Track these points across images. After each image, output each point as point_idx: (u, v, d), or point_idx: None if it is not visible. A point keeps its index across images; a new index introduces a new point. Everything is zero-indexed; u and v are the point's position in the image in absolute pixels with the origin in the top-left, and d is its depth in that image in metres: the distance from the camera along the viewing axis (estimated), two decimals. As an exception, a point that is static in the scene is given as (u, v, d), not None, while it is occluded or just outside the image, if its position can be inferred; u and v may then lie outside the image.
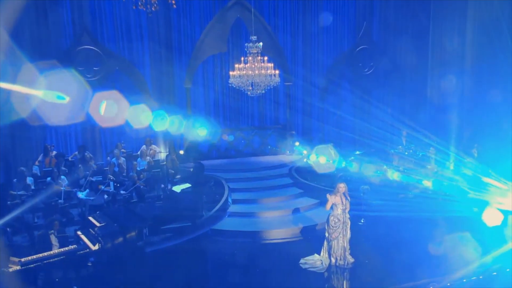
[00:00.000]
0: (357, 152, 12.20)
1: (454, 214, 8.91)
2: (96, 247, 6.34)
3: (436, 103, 12.69)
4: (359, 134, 13.91)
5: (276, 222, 8.92)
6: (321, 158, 11.15)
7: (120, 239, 6.60)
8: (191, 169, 9.73)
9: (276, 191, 10.44)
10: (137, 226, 6.80)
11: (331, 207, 6.97)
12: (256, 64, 10.15)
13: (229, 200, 9.84)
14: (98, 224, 6.76)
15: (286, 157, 12.85)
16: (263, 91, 10.70)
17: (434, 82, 12.75)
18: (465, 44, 11.60)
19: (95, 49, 11.25)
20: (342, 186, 6.90)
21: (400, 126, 14.31)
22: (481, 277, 6.32)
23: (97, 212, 7.60)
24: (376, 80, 14.23)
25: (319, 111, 14.02)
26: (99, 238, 6.38)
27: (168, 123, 12.56)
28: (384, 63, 13.99)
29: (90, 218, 7.17)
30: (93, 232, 6.59)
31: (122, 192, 8.83)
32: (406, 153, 11.66)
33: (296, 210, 9.46)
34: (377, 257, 7.44)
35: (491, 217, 8.00)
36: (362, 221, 8.88)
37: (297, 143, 13.41)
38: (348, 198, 6.99)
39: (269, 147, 13.57)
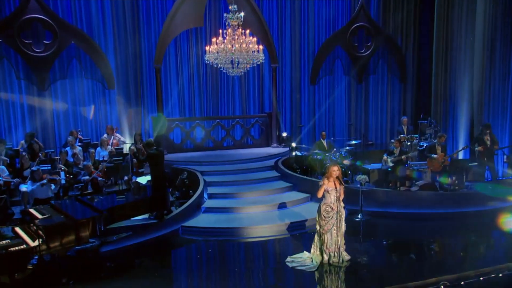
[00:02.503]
0: (353, 142, 11.81)
1: (464, 209, 8.69)
2: (36, 243, 5.68)
3: (442, 89, 12.41)
4: (355, 120, 13.59)
5: (259, 218, 8.42)
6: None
7: (67, 234, 5.95)
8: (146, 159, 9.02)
9: (260, 185, 9.95)
10: (90, 218, 6.15)
11: (323, 195, 6.48)
12: (236, 38, 9.71)
13: (205, 194, 9.32)
14: (40, 217, 6.10)
15: (272, 150, 12.39)
16: (245, 70, 10.28)
17: (439, 64, 12.47)
18: (477, 20, 11.34)
19: (46, 18, 10.57)
20: (335, 170, 6.42)
21: (400, 113, 14.13)
22: (500, 275, 5.95)
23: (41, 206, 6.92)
24: (374, 62, 13.93)
25: (310, 96, 13.65)
26: (40, 232, 5.73)
27: (135, 109, 12.08)
28: (383, 43, 13.69)
29: (31, 210, 6.50)
30: (33, 226, 5.93)
31: (76, 184, 8.17)
32: (408, 143, 11.31)
33: (282, 205, 8.97)
34: (377, 255, 7.07)
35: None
36: (359, 216, 8.47)
37: (284, 134, 12.98)
38: (343, 183, 6.51)
39: (252, 138, 13.09)
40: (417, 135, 11.56)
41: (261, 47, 10.12)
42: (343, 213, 6.51)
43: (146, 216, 8.09)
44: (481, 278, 5.91)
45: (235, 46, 9.67)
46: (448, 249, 7.40)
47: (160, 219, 7.84)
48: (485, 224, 8.27)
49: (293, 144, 12.17)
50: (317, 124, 13.66)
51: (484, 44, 11.19)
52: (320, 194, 6.44)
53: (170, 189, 9.76)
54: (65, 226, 5.99)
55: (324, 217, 6.42)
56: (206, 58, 9.94)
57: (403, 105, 14.15)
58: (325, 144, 11.69)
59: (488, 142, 10.11)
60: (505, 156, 10.57)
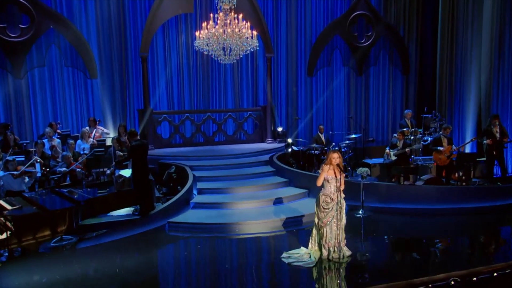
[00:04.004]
0: (353, 136, 11.58)
1: (472, 205, 8.52)
2: (4, 236, 5.36)
3: (447, 81, 12.23)
4: (354, 114, 13.38)
5: (252, 213, 8.16)
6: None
7: (40, 226, 5.63)
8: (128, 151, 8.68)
9: (254, 180, 9.71)
10: (65, 209, 5.84)
11: (322, 185, 6.22)
12: (228, 23, 9.48)
13: (194, 190, 9.05)
14: (9, 208, 5.78)
15: (267, 145, 12.14)
16: (238, 58, 10.06)
17: (444, 54, 12.29)
18: (484, 7, 11.18)
19: (22, 1, 10.26)
20: (335, 157, 6.16)
21: (402, 106, 13.95)
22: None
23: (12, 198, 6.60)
24: (374, 53, 13.75)
25: (307, 88, 13.43)
26: (8, 224, 5.41)
27: (119, 100, 11.81)
28: (384, 33, 13.52)
29: (0, 201, 6.17)
30: (1, 218, 5.60)
31: (52, 176, 7.85)
32: (412, 137, 11.09)
33: (278, 201, 8.72)
34: (379, 252, 6.81)
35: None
36: (360, 211, 8.22)
37: (280, 129, 12.74)
38: (343, 172, 6.26)
39: (245, 133, 12.85)
40: (421, 130, 11.37)
41: (255, 32, 9.89)
42: (344, 204, 6.25)
43: (129, 212, 7.82)
44: (495, 274, 5.72)
45: (227, 31, 9.47)
46: (454, 246, 7.18)
47: (144, 214, 7.54)
48: (493, 221, 8.09)
49: (289, 140, 11.93)
50: (314, 117, 13.43)
51: (492, 32, 11.04)
52: (319, 182, 6.17)
53: (158, 186, 9.50)
54: (37, 217, 5.70)
55: (323, 208, 6.15)
56: (196, 44, 9.69)
57: (405, 98, 13.98)
58: (323, 138, 11.47)
59: (497, 135, 9.89)
60: (515, 150, 10.39)
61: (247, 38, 9.67)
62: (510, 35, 10.93)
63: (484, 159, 10.35)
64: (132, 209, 7.86)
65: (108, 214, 7.66)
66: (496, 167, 10.41)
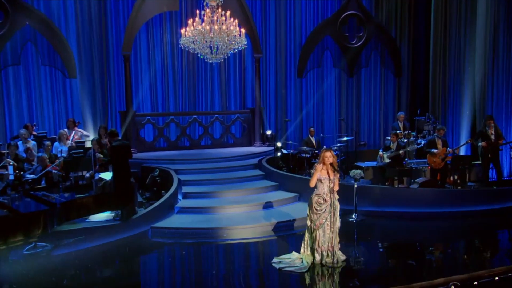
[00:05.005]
0: (345, 138, 11.49)
1: (469, 208, 8.46)
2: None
3: (440, 83, 12.25)
4: (345, 117, 13.33)
5: (241, 218, 7.98)
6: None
7: (11, 231, 5.35)
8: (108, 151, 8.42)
9: (242, 184, 9.55)
10: (39, 213, 5.57)
11: (315, 185, 6.07)
12: (215, 20, 9.36)
13: (179, 195, 8.83)
14: (-24, 211, 5.50)
15: (255, 149, 11.99)
16: (226, 56, 9.96)
17: (437, 55, 12.33)
18: (478, 7, 11.25)
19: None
20: (328, 156, 6.02)
21: (394, 109, 13.96)
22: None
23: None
24: (366, 54, 13.75)
25: (296, 90, 13.34)
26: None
27: (100, 101, 11.56)
28: (376, 33, 13.53)
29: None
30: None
31: (26, 177, 7.55)
32: (405, 139, 11.05)
33: (267, 205, 8.54)
34: (374, 258, 6.70)
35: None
36: (353, 216, 8.08)
37: (269, 132, 12.59)
38: (337, 171, 6.11)
39: (233, 136, 12.68)
40: (414, 133, 11.34)
41: (243, 30, 9.81)
42: (338, 206, 6.10)
43: (110, 217, 7.56)
44: (496, 278, 5.64)
45: (214, 29, 9.35)
46: (450, 251, 7.09)
47: (126, 219, 7.29)
48: (491, 224, 8.04)
49: (278, 144, 11.77)
50: (304, 120, 13.33)
51: (487, 32, 11.10)
52: (313, 183, 6.02)
53: (141, 190, 9.26)
54: (8, 221, 5.41)
55: (316, 210, 5.99)
56: (181, 42, 9.56)
57: (397, 100, 13.98)
58: (313, 141, 11.36)
59: (492, 137, 9.89)
60: (511, 152, 10.40)
61: (235, 36, 9.58)
62: (504, 34, 11.02)
63: (479, 162, 10.35)
64: (113, 214, 7.61)
65: (86, 220, 7.41)
66: (491, 170, 10.42)
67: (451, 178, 10.17)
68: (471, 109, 11.39)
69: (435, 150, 9.59)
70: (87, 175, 8.78)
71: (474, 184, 10.27)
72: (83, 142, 9.73)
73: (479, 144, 10.01)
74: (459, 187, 9.88)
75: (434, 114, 12.18)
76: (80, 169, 8.69)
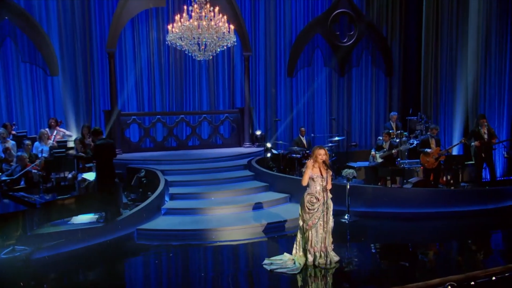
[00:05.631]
0: (336, 138, 11.45)
1: (463, 208, 8.45)
2: None
3: (432, 82, 12.31)
4: (336, 117, 13.30)
5: (230, 219, 7.86)
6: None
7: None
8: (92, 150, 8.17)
9: (231, 185, 9.44)
10: (17, 213, 5.38)
11: (308, 184, 5.97)
12: (204, 16, 9.26)
13: (166, 195, 8.69)
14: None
15: (244, 150, 11.88)
16: (214, 54, 9.86)
17: (429, 54, 12.38)
18: (470, 6, 11.33)
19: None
20: (322, 153, 5.93)
21: (386, 108, 13.99)
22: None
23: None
24: (357, 54, 13.76)
25: (287, 90, 13.28)
26: None
27: (83, 100, 11.37)
28: (367, 32, 13.55)
29: None
30: None
31: (4, 178, 7.34)
32: (397, 139, 11.05)
33: (257, 206, 8.44)
34: (367, 259, 6.64)
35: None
36: (346, 216, 8.01)
37: (258, 132, 12.50)
38: (330, 169, 6.04)
39: (221, 137, 12.56)
40: (406, 133, 11.35)
41: (232, 27, 9.72)
42: (331, 205, 6.02)
43: (93, 219, 7.37)
44: (494, 278, 5.60)
45: (202, 25, 9.25)
46: (445, 252, 7.06)
47: (110, 221, 7.11)
48: (484, 224, 8.04)
49: (268, 145, 11.67)
50: (295, 120, 13.27)
51: (479, 30, 11.18)
52: (305, 181, 5.92)
53: (126, 192, 9.09)
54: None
55: (308, 209, 5.90)
56: (168, 39, 9.44)
57: (389, 101, 13.99)
58: (304, 141, 11.29)
59: (485, 136, 9.93)
60: (504, 152, 10.44)
61: (224, 33, 9.49)
62: (496, 32, 11.10)
63: (472, 162, 10.38)
64: (97, 216, 7.43)
65: (68, 222, 7.22)
66: (484, 170, 10.45)
67: (444, 179, 10.19)
68: (463, 109, 11.45)
69: (428, 150, 9.58)
70: (70, 175, 8.58)
71: (467, 184, 10.30)
72: (65, 141, 9.52)
73: (472, 143, 10.04)
74: (452, 188, 9.89)
75: (426, 113, 12.22)
76: (62, 169, 8.48)
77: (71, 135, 10.45)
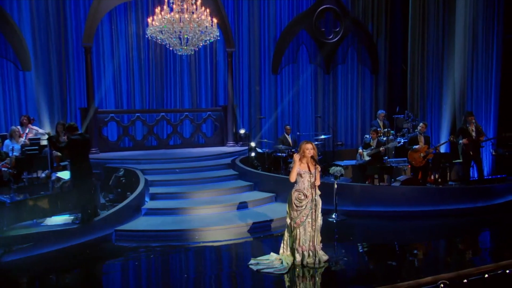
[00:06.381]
0: (322, 137, 11.39)
1: (452, 206, 8.46)
2: None
3: (419, 80, 12.35)
4: (322, 115, 13.26)
5: (214, 219, 7.69)
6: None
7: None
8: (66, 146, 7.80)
9: (214, 184, 9.30)
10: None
11: (295, 181, 5.85)
12: (186, 9, 9.08)
13: (146, 195, 8.48)
14: None
15: (228, 149, 11.73)
16: (196, 48, 9.70)
17: (415, 51, 12.43)
18: (457, 3, 11.41)
19: None
20: (309, 148, 5.82)
21: (372, 106, 14.02)
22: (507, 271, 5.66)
23: None
24: (342, 51, 13.76)
25: (271, 87, 13.18)
26: None
27: (58, 96, 11.05)
28: (352, 29, 13.55)
29: None
30: None
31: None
32: (385, 138, 11.04)
33: (242, 205, 8.29)
34: (359, 257, 6.56)
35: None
36: (333, 216, 7.92)
37: (242, 131, 12.36)
38: (319, 164, 5.92)
39: (204, 136, 12.39)
40: (393, 131, 11.36)
41: (215, 20, 9.57)
42: (319, 202, 5.90)
43: (69, 220, 7.11)
44: (486, 275, 5.57)
45: (183, 18, 9.08)
46: (434, 250, 7.04)
47: (86, 222, 6.85)
48: (474, 223, 8.04)
49: (252, 144, 11.51)
50: (279, 118, 13.17)
51: (466, 27, 11.27)
52: (293, 177, 5.79)
53: (104, 193, 8.83)
54: None
55: (296, 206, 5.77)
56: (148, 33, 9.24)
57: (375, 99, 14.03)
58: (289, 139, 11.18)
59: (473, 133, 9.96)
60: (492, 149, 10.52)
61: (207, 26, 9.34)
62: (483, 29, 11.20)
63: (460, 160, 10.42)
64: (72, 217, 7.16)
65: (42, 224, 6.94)
66: (472, 169, 10.50)
67: (432, 177, 10.20)
68: (450, 106, 11.52)
69: (416, 146, 9.58)
70: (43, 175, 8.28)
71: (455, 183, 10.33)
72: (38, 138, 9.20)
73: (460, 141, 10.07)
74: (440, 186, 9.90)
75: (413, 111, 12.26)
76: (35, 168, 8.17)
77: (44, 133, 10.10)
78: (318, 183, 5.86)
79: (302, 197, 5.78)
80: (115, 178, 8.82)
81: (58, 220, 7.10)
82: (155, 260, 6.38)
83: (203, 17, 9.22)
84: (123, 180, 8.81)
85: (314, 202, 5.81)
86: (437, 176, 10.26)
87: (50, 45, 10.78)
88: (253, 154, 11.12)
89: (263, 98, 13.16)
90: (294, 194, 5.81)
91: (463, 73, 11.37)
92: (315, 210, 5.84)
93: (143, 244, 6.85)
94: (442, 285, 5.24)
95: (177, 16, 9.05)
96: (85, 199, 6.85)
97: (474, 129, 9.96)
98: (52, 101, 10.94)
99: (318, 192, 5.89)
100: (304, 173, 5.80)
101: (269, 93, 13.17)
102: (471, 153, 9.99)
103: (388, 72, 14.04)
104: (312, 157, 5.81)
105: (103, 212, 7.59)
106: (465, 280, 5.46)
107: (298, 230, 5.80)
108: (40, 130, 10.08)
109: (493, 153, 10.66)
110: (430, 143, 10.02)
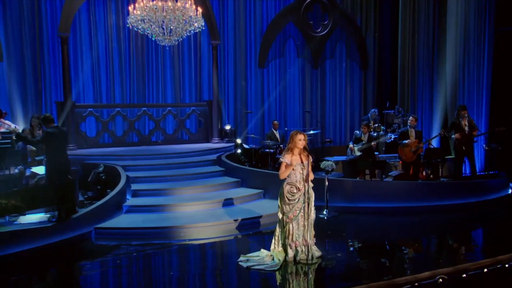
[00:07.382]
0: (311, 132, 11.29)
1: (447, 202, 8.46)
2: None
3: (409, 74, 12.37)
4: (310, 110, 13.18)
5: (200, 216, 7.53)
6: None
7: None
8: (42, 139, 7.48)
9: (199, 181, 9.15)
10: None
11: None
12: (168, -5, 8.92)
13: (128, 192, 8.28)
14: None
15: (213, 146, 11.56)
16: (180, 39, 9.52)
17: (406, 45, 12.44)
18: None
19: None
20: (301, 138, 5.67)
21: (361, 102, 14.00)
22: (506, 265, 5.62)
23: None
24: (331, 45, 13.70)
25: (257, 82, 13.05)
26: None
27: (32, 89, 10.71)
28: (341, 22, 13.51)
29: None
30: None
31: None
32: (375, 133, 11.01)
33: (228, 202, 8.14)
34: (352, 253, 6.45)
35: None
36: (325, 212, 7.81)
37: (228, 127, 12.20)
38: (310, 157, 5.78)
39: (188, 132, 12.18)
40: (383, 127, 11.34)
41: (200, 9, 9.41)
42: (312, 195, 5.76)
43: (45, 218, 6.83)
44: (485, 270, 5.52)
45: (167, 7, 8.90)
46: (427, 247, 6.97)
47: (64, 219, 6.59)
48: (467, 218, 8.03)
49: (238, 140, 11.37)
50: (266, 113, 13.06)
51: (457, 19, 11.31)
52: (284, 175, 5.61)
53: (82, 191, 8.56)
54: None
55: (288, 200, 5.61)
56: (128, 21, 9.02)
57: (364, 94, 14.01)
58: (277, 135, 11.06)
59: (466, 128, 9.96)
60: (484, 144, 10.55)
61: (191, 16, 9.17)
62: (475, 22, 11.26)
63: (452, 156, 10.41)
64: (48, 214, 6.89)
65: (15, 222, 6.66)
66: (464, 165, 10.50)
67: (424, 173, 10.18)
68: (442, 101, 11.54)
69: (406, 141, 9.54)
70: (16, 171, 7.97)
71: (447, 179, 10.32)
72: (10, 133, 8.86)
73: (452, 136, 10.05)
74: (433, 182, 9.88)
75: (403, 107, 12.26)
76: (7, 164, 7.85)
77: (17, 127, 9.78)
78: (311, 177, 5.73)
79: (295, 190, 5.63)
80: (94, 174, 8.55)
81: (33, 218, 6.83)
82: (137, 258, 6.15)
83: (187, 5, 9.05)
84: (103, 177, 8.55)
85: (307, 195, 5.66)
86: (429, 172, 10.24)
87: (23, 35, 10.44)
88: (239, 151, 10.96)
89: (249, 92, 13.02)
90: (286, 188, 5.65)
91: (455, 66, 11.40)
92: (308, 204, 5.70)
93: (124, 242, 6.61)
94: (440, 280, 5.16)
95: (159, 4, 8.87)
96: (62, 196, 6.58)
97: (467, 123, 9.95)
98: (26, 94, 10.60)
99: (311, 184, 5.76)
100: (296, 165, 5.65)
101: (256, 88, 13.04)
102: (463, 148, 9.97)
103: (378, 66, 14.04)
104: (304, 147, 5.67)
105: (82, 210, 7.32)
106: (464, 275, 5.40)
107: (290, 225, 5.65)
108: (12, 125, 9.74)
109: (486, 148, 10.69)
110: (422, 137, 9.99)
